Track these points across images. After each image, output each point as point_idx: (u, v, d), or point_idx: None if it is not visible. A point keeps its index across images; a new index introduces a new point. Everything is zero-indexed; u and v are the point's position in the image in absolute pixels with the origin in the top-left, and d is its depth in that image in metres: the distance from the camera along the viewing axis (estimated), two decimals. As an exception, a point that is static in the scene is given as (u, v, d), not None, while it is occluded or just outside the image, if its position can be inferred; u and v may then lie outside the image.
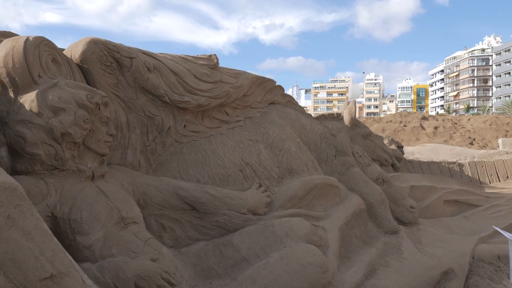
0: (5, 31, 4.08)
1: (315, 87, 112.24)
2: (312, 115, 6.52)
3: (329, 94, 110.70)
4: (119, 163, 3.48)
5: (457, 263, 4.46)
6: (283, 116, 5.38)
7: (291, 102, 5.99)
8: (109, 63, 3.47)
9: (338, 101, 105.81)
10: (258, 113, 5.09)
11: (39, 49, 2.86)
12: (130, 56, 3.54)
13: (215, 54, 4.56)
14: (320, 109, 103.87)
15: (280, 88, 5.81)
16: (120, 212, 2.86)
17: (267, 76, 5.52)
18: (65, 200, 2.64)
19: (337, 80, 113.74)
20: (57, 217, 2.58)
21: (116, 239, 2.73)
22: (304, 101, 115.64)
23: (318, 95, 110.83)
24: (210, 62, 4.42)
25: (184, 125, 3.98)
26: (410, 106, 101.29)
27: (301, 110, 6.06)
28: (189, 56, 4.36)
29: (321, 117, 7.02)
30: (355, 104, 7.30)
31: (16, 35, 3.98)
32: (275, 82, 5.66)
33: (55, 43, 3.11)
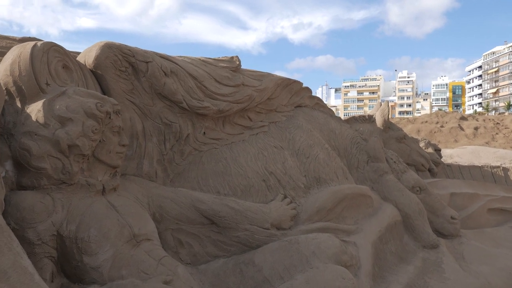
0: (29, 37, 4.02)
1: (345, 86, 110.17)
2: (342, 114, 6.15)
3: (359, 93, 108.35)
4: (134, 174, 3.29)
5: (506, 284, 3.98)
6: (310, 120, 5.05)
7: (319, 104, 5.66)
8: (124, 68, 3.29)
9: (369, 100, 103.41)
10: (283, 117, 4.79)
11: (48, 55, 2.71)
12: (145, 60, 3.35)
13: (237, 56, 4.31)
14: (351, 108, 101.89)
15: (307, 90, 5.49)
16: (132, 229, 2.66)
17: (296, 75, 5.24)
18: (73, 217, 2.46)
19: (368, 79, 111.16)
20: (63, 236, 2.41)
21: (126, 259, 2.52)
22: (334, 101, 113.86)
23: (348, 94, 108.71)
24: (231, 64, 4.18)
25: (204, 132, 3.74)
26: (445, 104, 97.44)
27: (330, 112, 5.71)
28: (209, 58, 4.13)
29: (352, 120, 6.62)
30: (388, 105, 6.85)
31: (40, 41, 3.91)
32: (302, 83, 5.35)
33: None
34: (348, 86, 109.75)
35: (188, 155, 3.61)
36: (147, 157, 3.38)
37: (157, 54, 3.57)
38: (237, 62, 4.23)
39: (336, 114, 6.15)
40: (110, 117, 2.71)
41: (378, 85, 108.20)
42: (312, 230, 3.53)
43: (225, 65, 4.11)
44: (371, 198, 4.44)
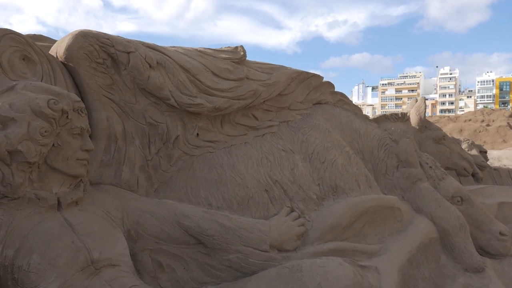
0: (39, 35, 3.68)
1: (382, 84, 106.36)
2: (380, 113, 5.41)
3: (398, 90, 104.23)
4: (112, 183, 2.83)
5: None
6: (330, 119, 4.41)
7: (343, 101, 4.99)
8: (102, 60, 2.83)
9: (408, 98, 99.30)
10: (298, 116, 4.19)
11: (-1, 45, 2.29)
12: (127, 51, 2.88)
13: (241, 46, 3.76)
14: (388, 107, 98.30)
15: (329, 85, 4.84)
16: (90, 254, 2.18)
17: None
18: (11, 240, 2.01)
19: (407, 76, 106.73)
20: None
21: (78, 292, 2.04)
22: (370, 99, 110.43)
23: (386, 92, 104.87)
24: (234, 56, 3.63)
25: (197, 134, 3.22)
26: (491, 101, 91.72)
27: (356, 110, 5.02)
28: (208, 49, 3.61)
29: (382, 119, 5.88)
30: (424, 102, 6.04)
31: (49, 38, 3.56)
32: (322, 78, 4.71)
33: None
34: (385, 84, 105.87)
35: (177, 160, 3.10)
36: (127, 163, 2.91)
37: (143, 43, 3.10)
38: (241, 53, 3.68)
39: (373, 113, 5.45)
40: (67, 117, 2.25)
41: (418, 83, 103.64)
42: (323, 252, 2.92)
43: (226, 56, 3.57)
44: (400, 210, 3.74)
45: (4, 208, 2.06)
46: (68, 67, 2.78)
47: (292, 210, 3.17)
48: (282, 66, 4.22)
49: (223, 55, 3.56)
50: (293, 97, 4.23)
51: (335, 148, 3.85)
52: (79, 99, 2.37)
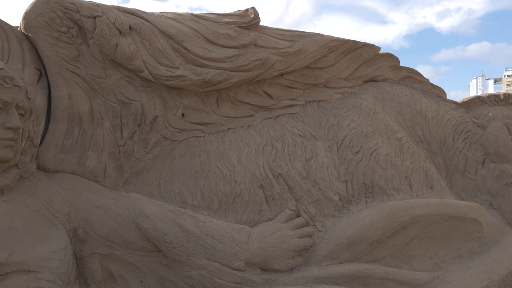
0: None
1: (507, 75, 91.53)
2: None
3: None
4: (74, 171, 2.39)
5: None
6: (383, 98, 3.38)
7: (412, 78, 3.87)
8: (66, 29, 2.42)
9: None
10: (337, 95, 3.28)
11: None
12: (92, 15, 2.42)
13: (253, 7, 3.03)
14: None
15: (390, 57, 3.79)
16: (-6, 255, 1.73)
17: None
18: None
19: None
20: None
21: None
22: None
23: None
24: (242, 19, 2.93)
25: (183, 114, 2.61)
26: None
27: (427, 87, 3.83)
28: (210, 14, 2.98)
29: (475, 101, 4.44)
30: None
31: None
32: (378, 48, 3.69)
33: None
34: (511, 76, 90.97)
35: (155, 146, 2.53)
36: (94, 148, 2.44)
37: (119, 8, 2.62)
38: (251, 16, 2.96)
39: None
40: None
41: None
42: (332, 278, 2.02)
43: (230, 20, 2.89)
44: (479, 223, 2.57)
45: None
46: (29, 38, 2.44)
47: (297, 215, 2.33)
48: (317, 34, 3.34)
49: (226, 19, 2.88)
50: (332, 71, 3.34)
51: (379, 134, 2.85)
52: (1, 67, 1.97)
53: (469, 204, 2.68)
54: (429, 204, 2.44)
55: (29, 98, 2.13)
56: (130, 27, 2.47)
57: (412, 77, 3.90)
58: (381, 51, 3.64)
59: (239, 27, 2.88)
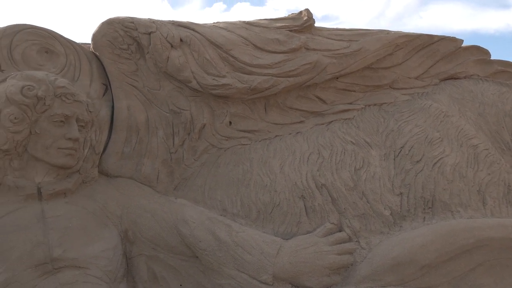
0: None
1: None
2: None
3: None
4: (132, 177, 2.60)
5: None
6: (462, 99, 2.97)
7: (506, 72, 3.34)
8: (126, 46, 2.65)
9: None
10: (406, 97, 2.98)
11: (13, 39, 2.41)
12: (147, 32, 2.61)
13: (307, 9, 2.94)
14: None
15: (475, 50, 3.34)
16: (50, 250, 1.98)
17: None
18: (-19, 226, 2.01)
19: None
20: None
21: (22, 291, 1.87)
22: None
23: None
24: (295, 23, 2.86)
25: (230, 122, 2.64)
26: None
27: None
28: (263, 19, 2.96)
29: None
30: None
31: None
32: (461, 41, 3.27)
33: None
34: None
35: (203, 153, 2.61)
36: (149, 155, 2.62)
37: (174, 22, 2.77)
38: (304, 18, 2.86)
39: None
40: (45, 103, 2.13)
41: None
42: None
43: (282, 24, 2.84)
44: None
45: (-12, 193, 2.11)
46: (97, 56, 2.73)
47: (340, 229, 2.16)
48: (381, 30, 3.09)
49: (278, 24, 2.84)
50: (400, 71, 3.05)
51: (447, 141, 2.50)
52: (63, 84, 2.24)
53: None
54: (505, 225, 2.04)
55: (90, 111, 2.37)
56: (181, 40, 2.60)
57: (508, 72, 3.35)
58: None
59: (291, 30, 2.81)
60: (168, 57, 2.55)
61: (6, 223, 2.01)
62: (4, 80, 2.21)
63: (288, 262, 1.94)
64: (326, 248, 2.01)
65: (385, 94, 2.96)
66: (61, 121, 2.18)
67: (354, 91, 2.91)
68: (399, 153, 2.45)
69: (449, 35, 3.25)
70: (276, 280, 1.93)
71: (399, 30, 3.11)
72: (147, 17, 2.76)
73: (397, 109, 2.80)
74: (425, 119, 2.64)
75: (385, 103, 2.89)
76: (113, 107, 2.68)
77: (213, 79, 2.54)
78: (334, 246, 2.04)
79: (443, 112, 2.69)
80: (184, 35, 2.62)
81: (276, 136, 2.63)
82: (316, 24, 2.95)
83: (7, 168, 2.11)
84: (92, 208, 2.26)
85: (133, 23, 2.64)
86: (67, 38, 2.70)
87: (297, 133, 2.63)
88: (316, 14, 2.94)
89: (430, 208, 2.22)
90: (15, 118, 2.05)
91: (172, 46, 2.58)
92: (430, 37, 3.18)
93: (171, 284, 2.21)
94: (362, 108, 2.83)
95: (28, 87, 2.10)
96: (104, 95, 2.71)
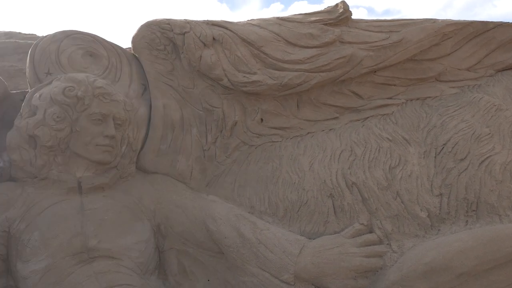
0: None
1: None
2: None
3: None
4: (168, 173, 2.69)
5: None
6: (521, 91, 2.66)
7: None
8: (163, 47, 2.75)
9: None
10: (454, 90, 2.76)
11: (60, 44, 2.60)
12: (182, 32, 2.68)
13: (343, 1, 2.81)
14: None
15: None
16: (87, 240, 2.12)
17: None
18: (29, 215, 2.20)
19: None
20: (11, 234, 2.19)
21: (61, 277, 2.02)
22: None
23: None
24: (330, 16, 2.77)
25: (261, 119, 2.62)
26: None
27: None
28: (297, 14, 2.90)
29: None
30: None
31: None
32: (522, 27, 2.94)
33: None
34: None
35: (234, 151, 2.62)
36: (183, 152, 2.69)
37: (208, 22, 2.81)
38: (340, 10, 2.75)
39: None
40: (84, 103, 2.28)
41: None
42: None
43: (316, 18, 2.76)
44: None
45: (36, 186, 2.30)
46: (137, 57, 2.86)
47: (370, 231, 2.04)
48: (426, 19, 2.89)
49: (312, 18, 2.76)
50: (449, 62, 2.84)
51: (498, 137, 2.26)
52: (101, 85, 2.37)
53: None
54: None
55: (127, 110, 2.49)
56: (214, 38, 2.63)
57: None
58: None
59: (325, 24, 2.72)
60: (200, 56, 2.60)
61: (50, 214, 2.19)
62: (50, 82, 2.40)
63: (310, 262, 1.88)
64: (353, 250, 1.92)
65: (430, 87, 2.76)
66: (99, 119, 2.31)
67: (395, 85, 2.74)
68: (440, 151, 2.26)
69: (508, 21, 2.95)
70: (297, 280, 1.88)
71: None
72: (183, 18, 2.84)
73: (442, 103, 2.59)
74: (473, 114, 2.41)
75: (430, 97, 2.69)
76: (151, 106, 2.81)
77: (244, 76, 2.54)
78: (362, 248, 1.93)
79: (495, 105, 2.43)
80: (216, 33, 2.65)
81: (308, 133, 2.56)
82: (364, 17, 2.83)
83: (52, 163, 2.29)
84: (127, 202, 2.38)
85: (169, 24, 2.72)
86: (110, 42, 2.86)
87: (330, 129, 2.54)
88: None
89: (474, 211, 2.02)
90: (58, 117, 2.22)
91: (205, 45, 2.62)
92: (484, 24, 2.91)
93: (199, 279, 2.25)
94: (403, 103, 2.66)
95: (69, 88, 2.26)
96: (142, 94, 2.84)
